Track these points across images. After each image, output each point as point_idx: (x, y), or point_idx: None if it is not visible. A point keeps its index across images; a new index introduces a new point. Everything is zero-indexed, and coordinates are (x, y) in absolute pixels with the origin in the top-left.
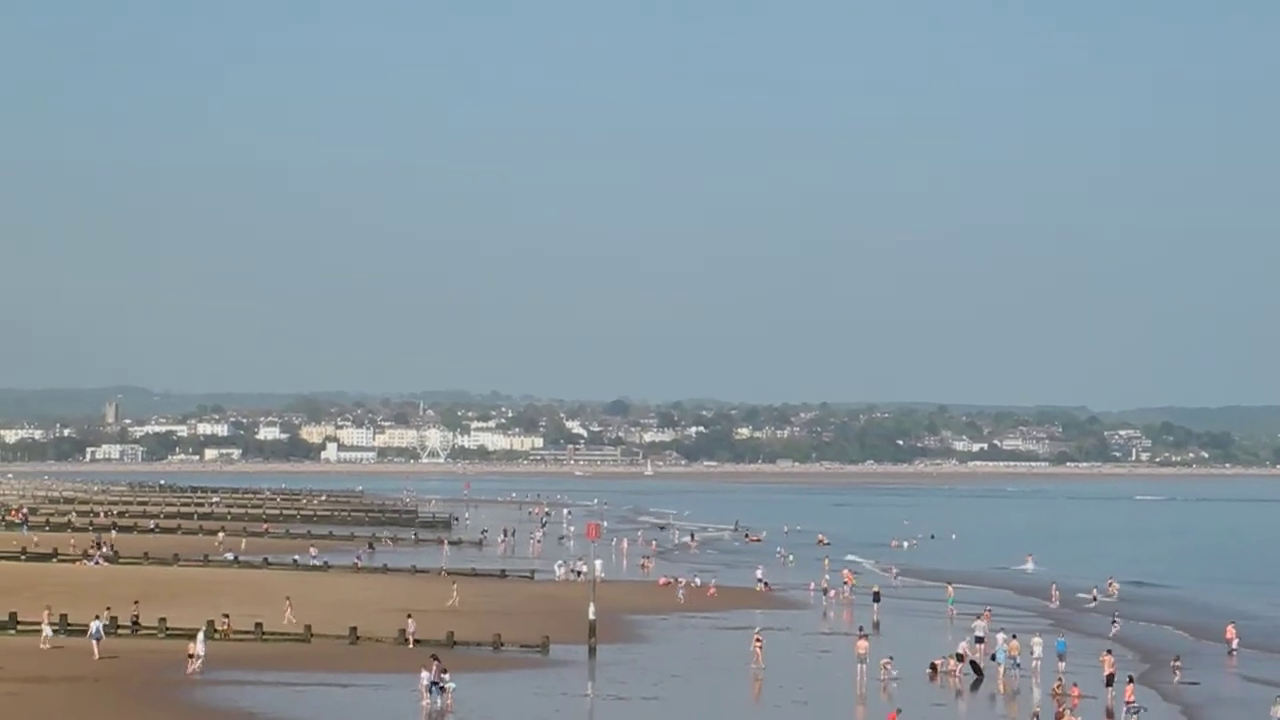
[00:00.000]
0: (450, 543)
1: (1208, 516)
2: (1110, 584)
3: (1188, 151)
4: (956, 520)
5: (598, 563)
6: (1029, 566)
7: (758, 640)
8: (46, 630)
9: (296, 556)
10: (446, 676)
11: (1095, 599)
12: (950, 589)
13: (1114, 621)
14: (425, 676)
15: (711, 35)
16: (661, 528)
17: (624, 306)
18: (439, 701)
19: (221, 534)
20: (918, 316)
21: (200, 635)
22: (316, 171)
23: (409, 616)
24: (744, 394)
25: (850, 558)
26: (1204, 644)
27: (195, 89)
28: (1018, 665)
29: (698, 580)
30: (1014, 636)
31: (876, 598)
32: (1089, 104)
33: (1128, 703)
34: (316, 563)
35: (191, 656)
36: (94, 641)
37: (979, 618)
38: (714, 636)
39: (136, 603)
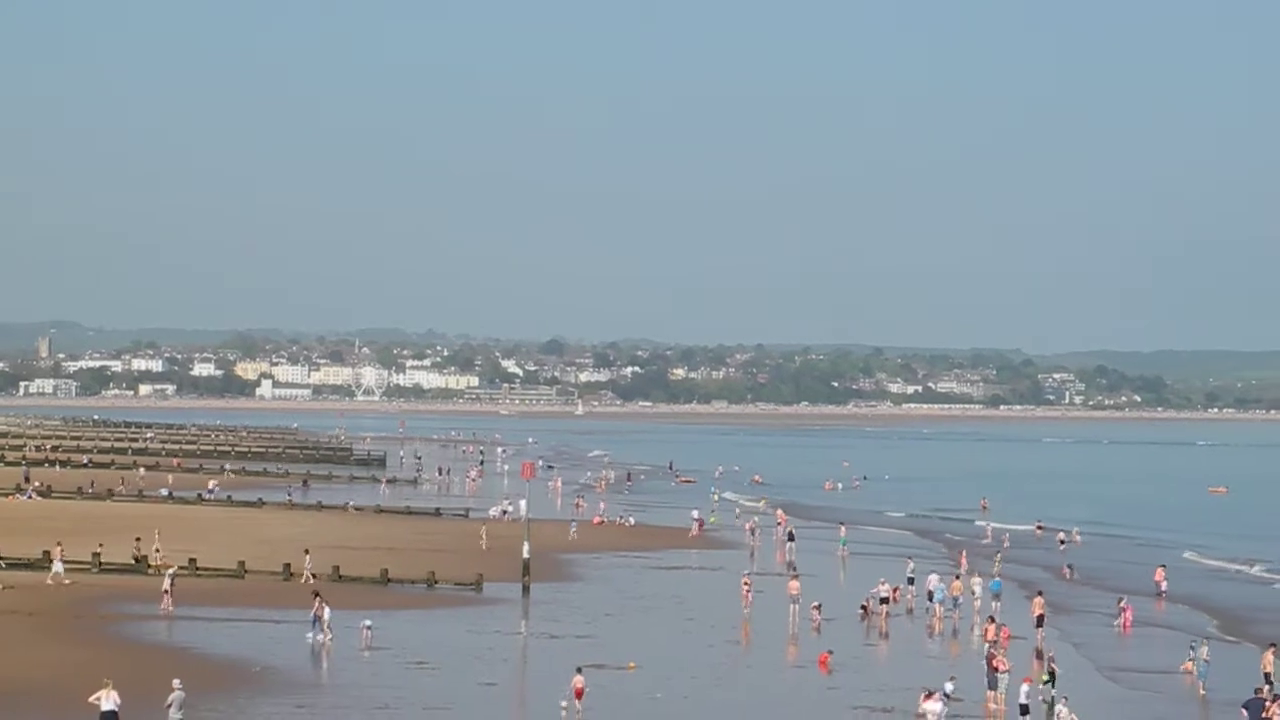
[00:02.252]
0: (386, 481)
1: (1134, 460)
2: (1075, 533)
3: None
4: (891, 463)
5: (522, 502)
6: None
7: (746, 584)
8: (58, 567)
9: (230, 493)
10: (327, 612)
11: (1064, 543)
12: (843, 529)
13: (1068, 568)
14: (327, 611)
15: None
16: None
17: (560, 246)
18: (319, 637)
19: (141, 470)
20: (853, 260)
21: (170, 573)
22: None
23: (306, 552)
24: (679, 335)
25: (728, 495)
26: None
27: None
28: (957, 605)
29: (632, 520)
30: (957, 576)
31: (791, 537)
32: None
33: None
34: (248, 498)
35: (166, 593)
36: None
37: (911, 560)
38: (647, 575)
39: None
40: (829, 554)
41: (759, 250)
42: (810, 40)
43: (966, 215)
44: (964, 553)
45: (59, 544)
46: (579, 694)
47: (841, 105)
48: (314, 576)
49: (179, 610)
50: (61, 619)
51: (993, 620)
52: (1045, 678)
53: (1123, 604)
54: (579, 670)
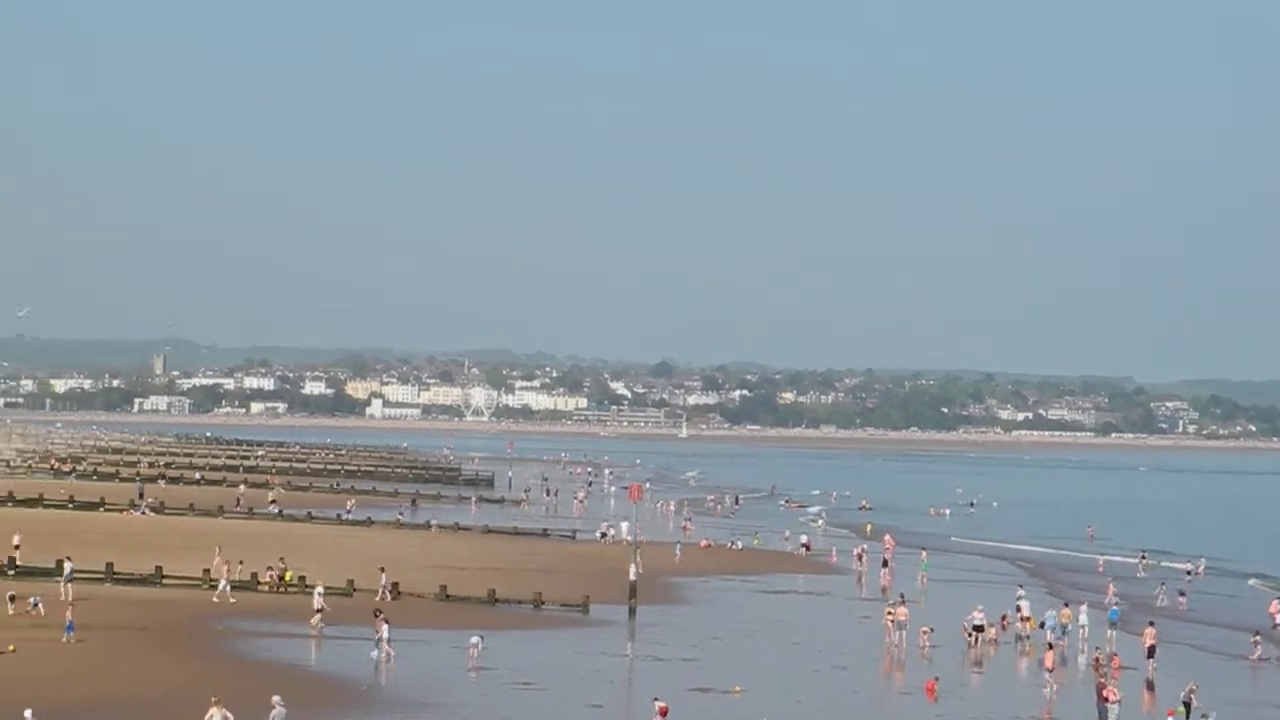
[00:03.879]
0: (492, 501)
1: (1245, 490)
2: (1200, 565)
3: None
4: (1000, 489)
5: (624, 524)
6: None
7: (890, 614)
8: (224, 584)
9: (339, 511)
10: (385, 631)
11: (1189, 574)
12: (924, 554)
13: (1181, 595)
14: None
15: None
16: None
17: (671, 268)
18: (377, 654)
19: (242, 487)
20: (962, 286)
21: (319, 590)
22: (361, 124)
23: (381, 570)
24: (789, 359)
25: (811, 511)
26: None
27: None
28: (1066, 632)
29: (739, 543)
30: (1065, 604)
31: (884, 563)
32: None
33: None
34: (358, 518)
35: (320, 611)
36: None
37: (1021, 587)
38: (754, 599)
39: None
40: (931, 580)
41: (869, 275)
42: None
43: (1082, 244)
44: (1061, 579)
45: (226, 562)
46: (663, 714)
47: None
48: (388, 594)
49: (289, 627)
50: (174, 634)
51: (1098, 650)
52: (1181, 709)
53: (1256, 639)
54: (656, 700)
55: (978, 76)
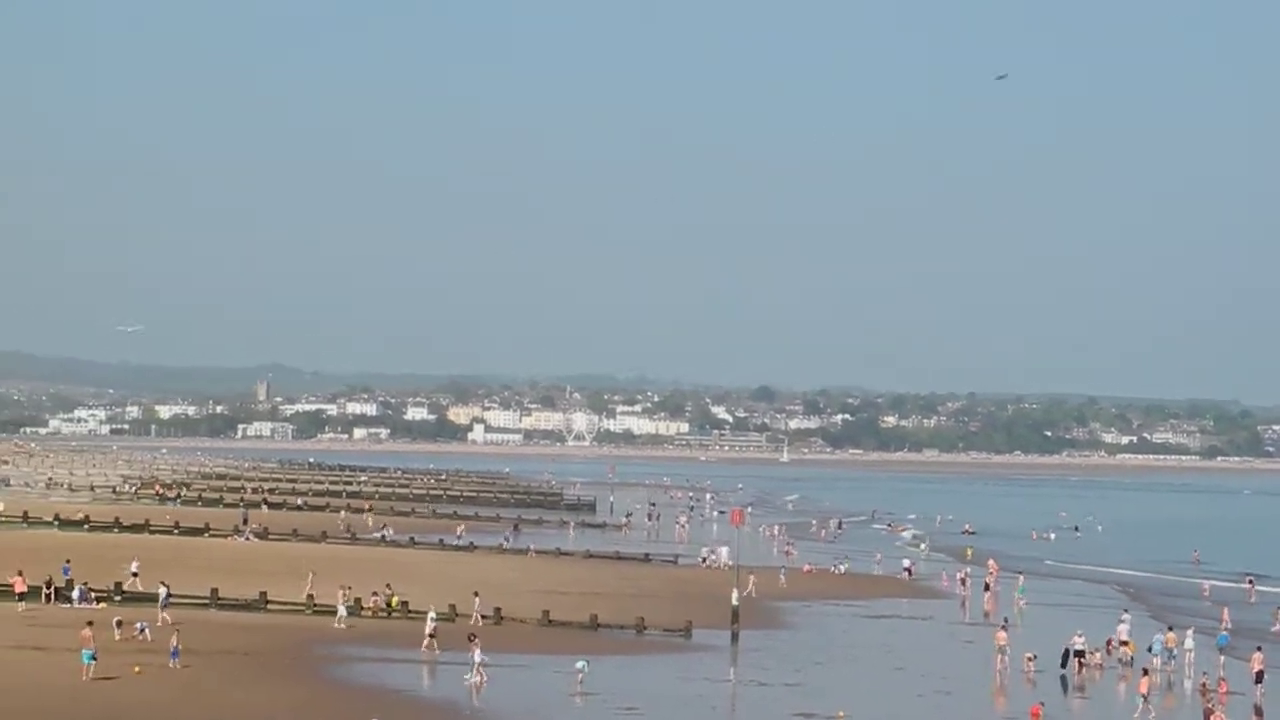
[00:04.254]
0: (594, 526)
1: None
2: None
3: None
4: (1104, 512)
5: (723, 549)
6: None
7: (1000, 640)
8: (341, 610)
9: (442, 536)
10: (478, 655)
11: None
12: (1021, 579)
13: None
14: (477, 654)
15: None
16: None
17: (772, 292)
18: (471, 678)
19: (343, 512)
20: (1067, 307)
21: (431, 614)
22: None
23: (475, 595)
24: (891, 382)
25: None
26: None
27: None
28: (1172, 657)
29: (843, 567)
30: (1170, 628)
31: (986, 587)
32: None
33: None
34: (462, 543)
35: (433, 636)
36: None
37: (1125, 612)
38: (857, 624)
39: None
40: (1035, 604)
41: (971, 298)
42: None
43: (1187, 265)
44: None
45: (344, 587)
46: None
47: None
48: (482, 619)
49: (394, 652)
50: (278, 660)
51: (1205, 675)
52: None
53: None
54: None
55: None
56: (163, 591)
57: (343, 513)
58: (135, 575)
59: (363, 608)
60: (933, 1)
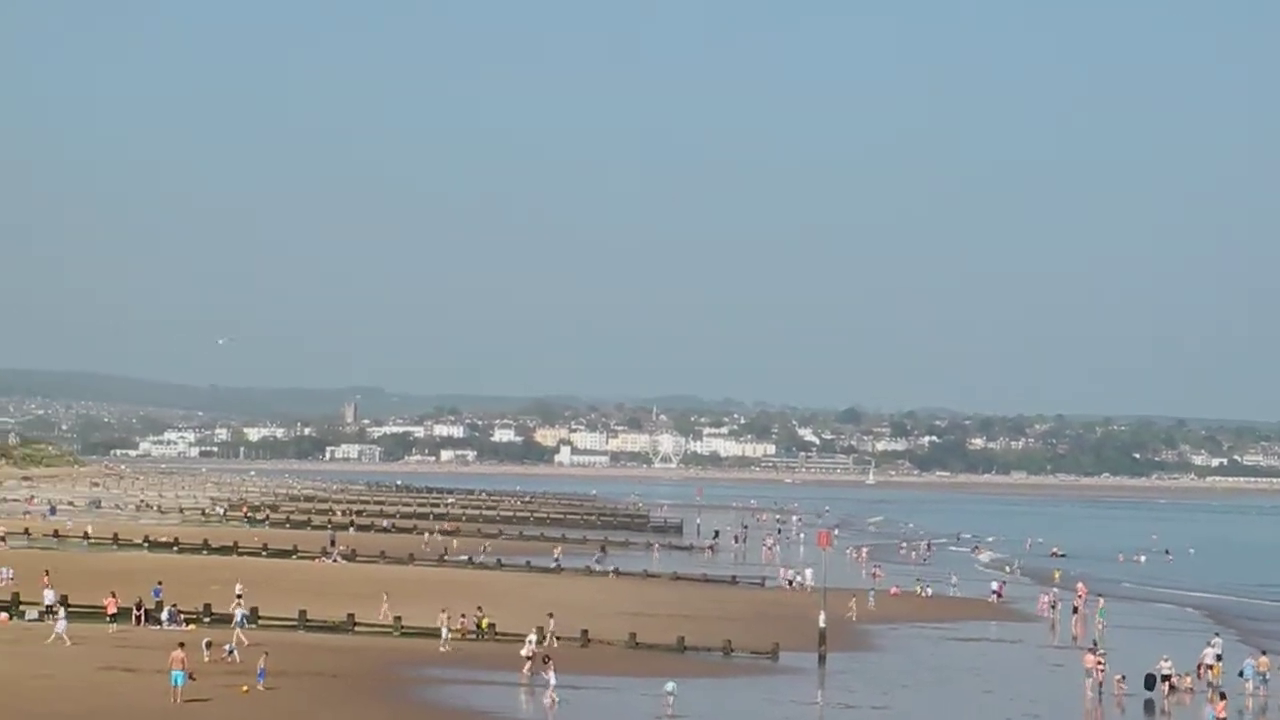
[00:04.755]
0: (680, 548)
1: None
2: None
3: None
4: (1194, 535)
5: (808, 571)
6: None
7: (1099, 665)
8: (445, 632)
9: (529, 558)
10: (552, 678)
11: None
12: (1101, 601)
13: None
14: (550, 676)
15: None
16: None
17: (859, 313)
18: (546, 701)
19: (427, 535)
20: (1155, 331)
21: (531, 637)
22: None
23: (550, 615)
24: (978, 404)
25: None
26: None
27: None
28: (1265, 681)
29: (929, 590)
30: (1264, 652)
31: (1075, 610)
32: None
33: None
34: (553, 564)
35: (530, 659)
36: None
37: (1215, 635)
38: (945, 647)
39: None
40: (1121, 627)
41: (1060, 319)
42: None
43: (1273, 289)
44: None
45: (444, 611)
46: None
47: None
48: (556, 640)
49: (481, 674)
50: (364, 681)
51: None
52: None
53: None
54: None
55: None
56: (238, 613)
57: (427, 535)
58: (240, 597)
59: (452, 630)
60: None
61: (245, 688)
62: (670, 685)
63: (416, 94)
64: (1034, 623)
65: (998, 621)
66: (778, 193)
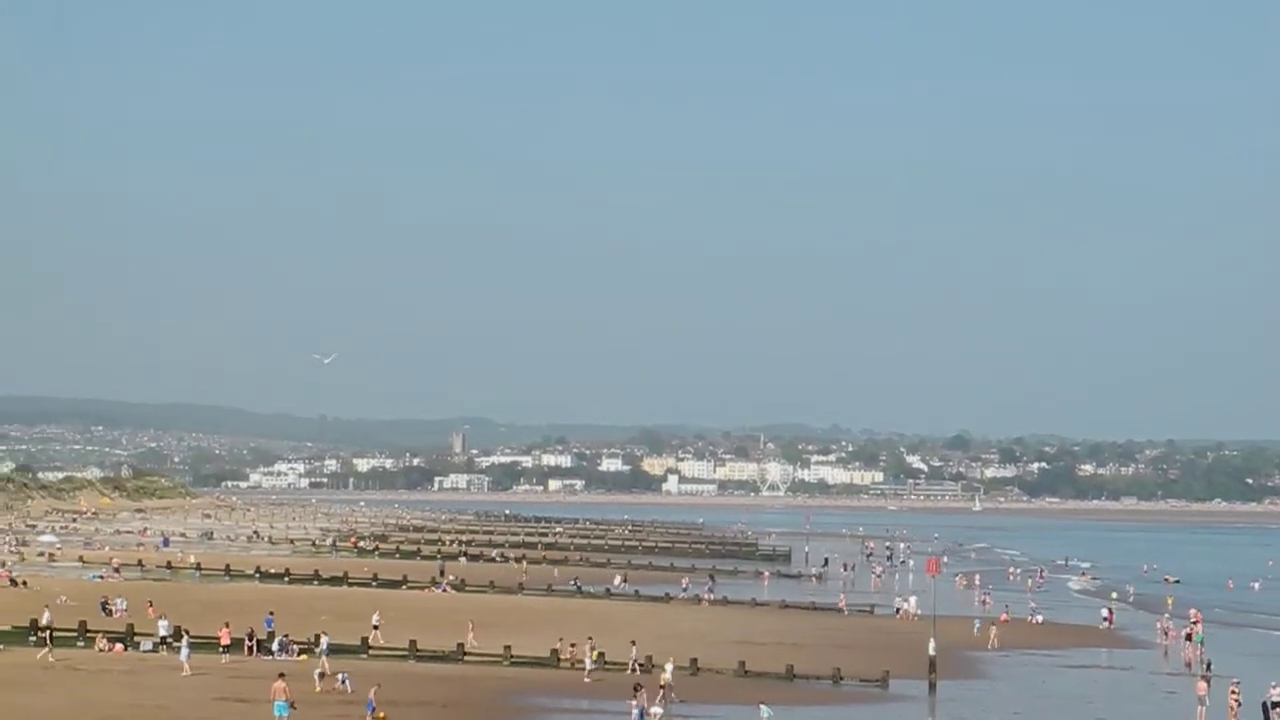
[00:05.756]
0: (789, 576)
1: None
2: None
3: None
4: None
5: (913, 599)
6: None
7: (1233, 693)
8: (588, 664)
9: (638, 587)
10: (657, 710)
11: None
12: (1199, 627)
13: None
14: (633, 706)
15: None
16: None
17: (966, 341)
18: None
19: (524, 563)
20: (1267, 352)
21: (669, 666)
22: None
23: (633, 644)
24: (1087, 430)
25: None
26: None
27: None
28: None
29: (1040, 617)
30: None
31: (1189, 637)
32: None
33: None
34: (655, 593)
35: (663, 687)
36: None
37: None
38: (1055, 674)
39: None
40: (1233, 654)
41: (1168, 341)
42: None
43: None
44: None
45: (572, 644)
46: None
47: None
48: (639, 668)
49: (589, 704)
50: (476, 712)
51: None
52: None
53: None
54: None
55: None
56: (324, 640)
57: (524, 564)
58: (376, 628)
59: (560, 659)
60: None
61: (383, 715)
62: (766, 712)
63: (517, 134)
64: (1146, 649)
65: (1109, 648)
66: (877, 214)
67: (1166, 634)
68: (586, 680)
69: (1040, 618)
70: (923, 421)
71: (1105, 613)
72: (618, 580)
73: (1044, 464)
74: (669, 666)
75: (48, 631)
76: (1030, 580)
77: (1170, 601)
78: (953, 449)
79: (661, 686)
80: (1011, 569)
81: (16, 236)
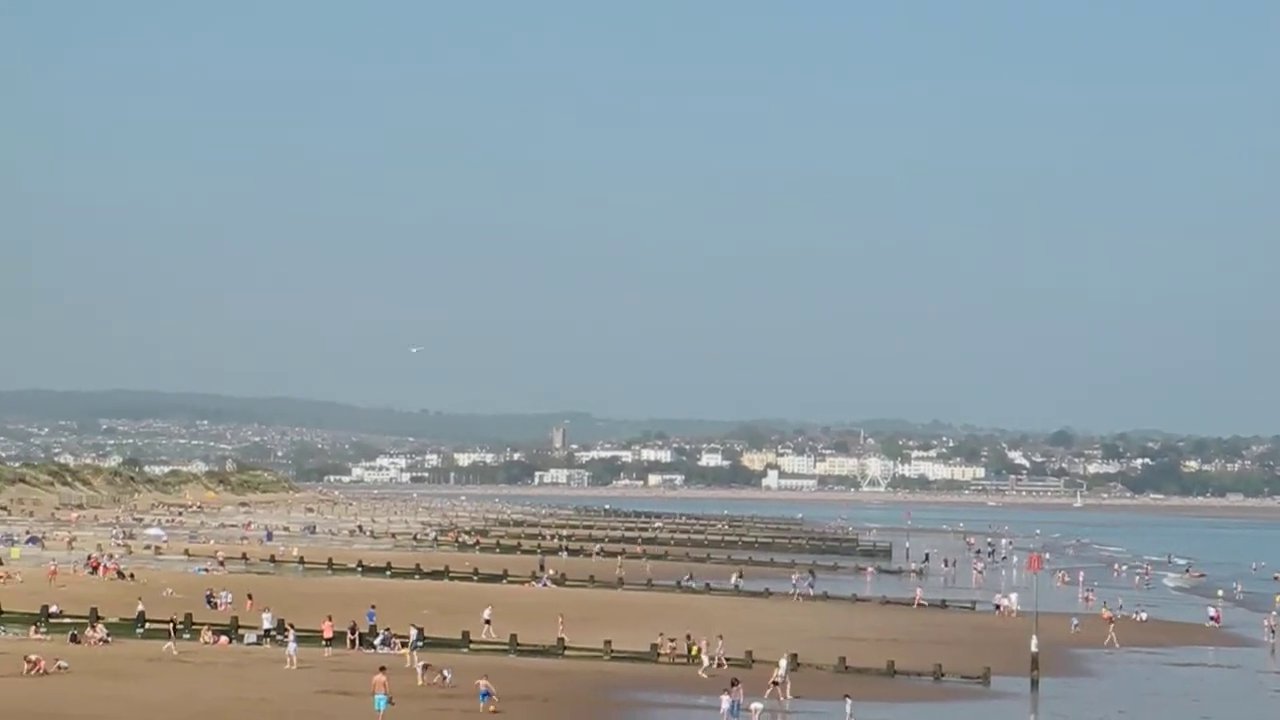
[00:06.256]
0: (890, 572)
1: None
2: None
3: None
4: None
5: (1014, 595)
6: None
7: None
8: (707, 661)
9: (739, 582)
10: (757, 706)
11: None
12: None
13: None
14: (725, 700)
15: None
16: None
17: (1068, 336)
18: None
19: (620, 559)
20: None
21: (783, 663)
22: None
23: (719, 637)
24: (1192, 426)
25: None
26: None
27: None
28: None
29: (1144, 614)
30: None
31: (1274, 633)
32: None
33: None
34: (755, 588)
35: (775, 683)
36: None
37: None
38: (1160, 672)
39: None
40: None
41: (1274, 336)
42: None
43: None
44: None
45: (672, 639)
46: None
47: None
48: (724, 663)
49: (687, 699)
50: (577, 706)
51: None
52: None
53: None
54: None
55: None
56: (413, 633)
57: (619, 560)
58: (488, 623)
59: (659, 654)
60: None
61: (493, 708)
62: (848, 705)
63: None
64: (1253, 648)
65: (1214, 647)
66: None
67: (1275, 632)
68: (703, 675)
69: (1144, 615)
70: (1025, 417)
71: (1212, 611)
72: (733, 578)
73: (1148, 460)
74: (783, 663)
75: (170, 624)
76: (1137, 577)
77: (1279, 600)
78: (1055, 445)
79: (774, 683)
80: (1116, 565)
81: (141, 230)
